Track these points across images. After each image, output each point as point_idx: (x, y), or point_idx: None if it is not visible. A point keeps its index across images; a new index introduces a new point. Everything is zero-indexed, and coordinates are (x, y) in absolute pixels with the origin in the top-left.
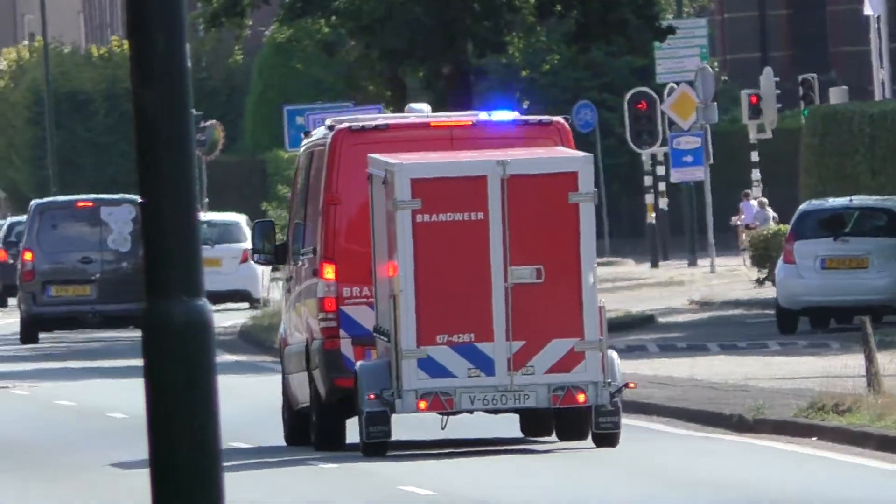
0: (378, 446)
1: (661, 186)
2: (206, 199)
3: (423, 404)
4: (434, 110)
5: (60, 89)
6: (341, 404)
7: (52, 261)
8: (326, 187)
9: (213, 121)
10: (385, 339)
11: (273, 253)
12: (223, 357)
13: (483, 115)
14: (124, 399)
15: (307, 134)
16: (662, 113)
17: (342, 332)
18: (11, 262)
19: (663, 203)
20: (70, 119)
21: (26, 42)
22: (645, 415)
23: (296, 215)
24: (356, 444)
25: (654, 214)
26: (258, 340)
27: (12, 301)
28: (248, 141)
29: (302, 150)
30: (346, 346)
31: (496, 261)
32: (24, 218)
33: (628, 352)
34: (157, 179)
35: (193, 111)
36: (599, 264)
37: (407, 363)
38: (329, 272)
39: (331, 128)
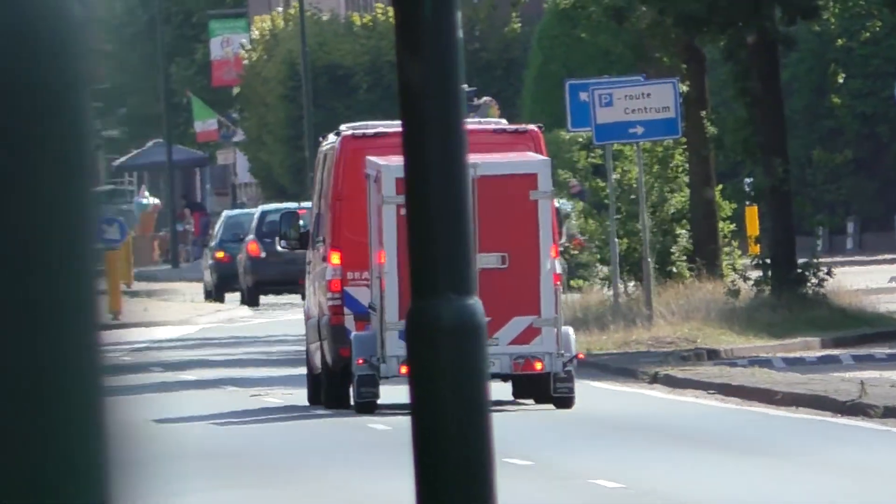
0: (368, 405)
1: None
2: None
3: (403, 369)
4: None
5: (318, 62)
6: (345, 370)
7: None
8: (333, 185)
9: (488, 97)
10: (375, 313)
11: (298, 239)
12: None
13: (469, 124)
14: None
15: (324, 138)
16: None
17: (346, 310)
18: (264, 255)
19: None
20: (328, 95)
21: (281, 9)
22: None
23: (315, 207)
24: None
25: None
26: None
27: (265, 300)
28: (525, 119)
29: (319, 151)
30: (349, 322)
31: None
32: (277, 206)
33: None
34: (422, 163)
35: (466, 87)
36: None
37: (390, 334)
38: (335, 258)
39: (338, 134)
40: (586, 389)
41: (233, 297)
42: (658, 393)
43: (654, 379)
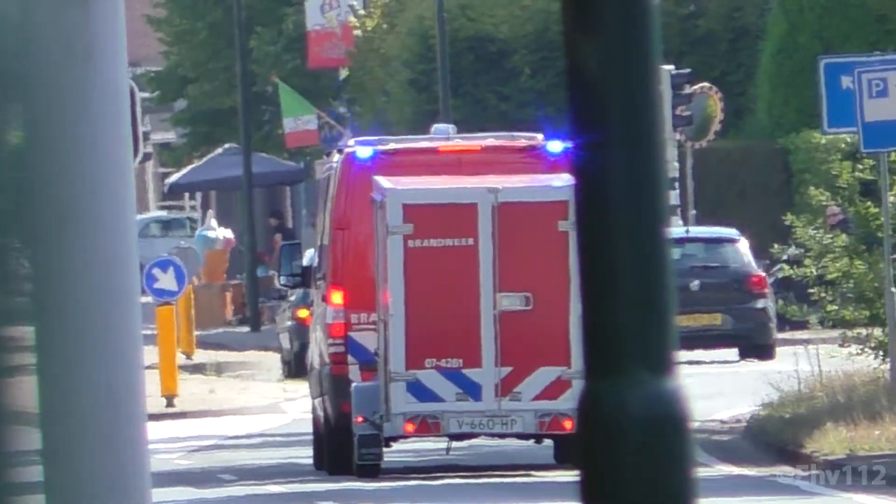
0: (370, 468)
1: None
2: (694, 211)
3: (410, 427)
4: None
5: (461, 34)
6: (349, 428)
7: None
8: (334, 212)
9: (705, 84)
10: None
11: (300, 275)
12: (716, 468)
13: (490, 142)
14: None
15: (329, 155)
16: None
17: (350, 358)
18: None
19: None
20: (475, 80)
21: None
22: None
23: (318, 238)
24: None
25: None
26: (775, 442)
27: None
28: (762, 116)
29: (322, 173)
30: (354, 372)
31: (486, 287)
32: None
33: None
34: (601, 185)
35: (671, 69)
36: None
37: (395, 386)
38: (337, 298)
39: (340, 151)
40: None
41: None
42: None
43: None
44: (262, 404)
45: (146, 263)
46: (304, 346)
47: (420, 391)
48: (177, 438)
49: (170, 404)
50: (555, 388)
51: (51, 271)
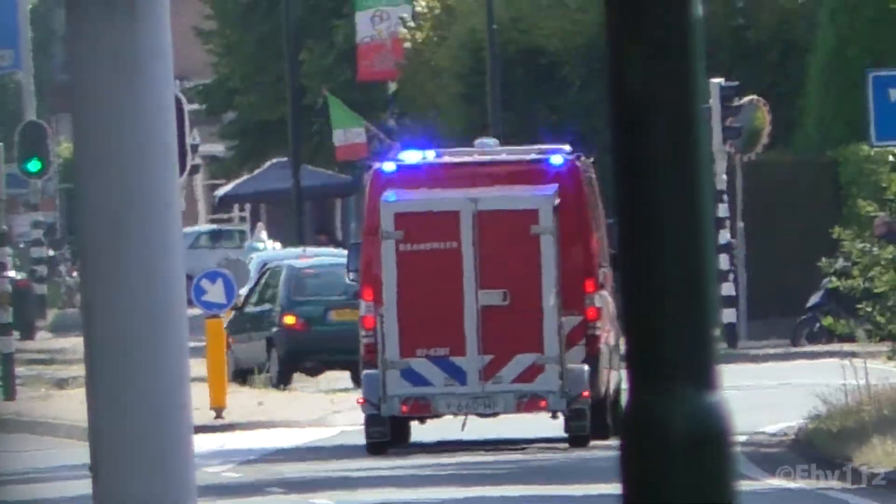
0: (377, 446)
1: None
2: (741, 224)
3: (405, 408)
4: None
5: (511, 46)
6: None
7: None
8: (364, 219)
9: (754, 97)
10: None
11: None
12: (765, 481)
13: (504, 157)
14: None
15: (370, 168)
16: None
17: (380, 348)
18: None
19: None
20: (525, 93)
21: None
22: None
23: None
24: (419, 443)
25: None
26: (824, 455)
27: None
28: (811, 129)
29: (365, 183)
30: None
31: (468, 285)
32: None
33: None
34: (645, 203)
35: (720, 81)
36: None
37: (391, 373)
38: (367, 294)
39: (370, 167)
40: None
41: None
42: None
43: None
44: (310, 417)
45: (196, 275)
46: (289, 353)
47: (413, 377)
48: (225, 451)
49: (218, 416)
50: (531, 372)
51: (97, 282)
